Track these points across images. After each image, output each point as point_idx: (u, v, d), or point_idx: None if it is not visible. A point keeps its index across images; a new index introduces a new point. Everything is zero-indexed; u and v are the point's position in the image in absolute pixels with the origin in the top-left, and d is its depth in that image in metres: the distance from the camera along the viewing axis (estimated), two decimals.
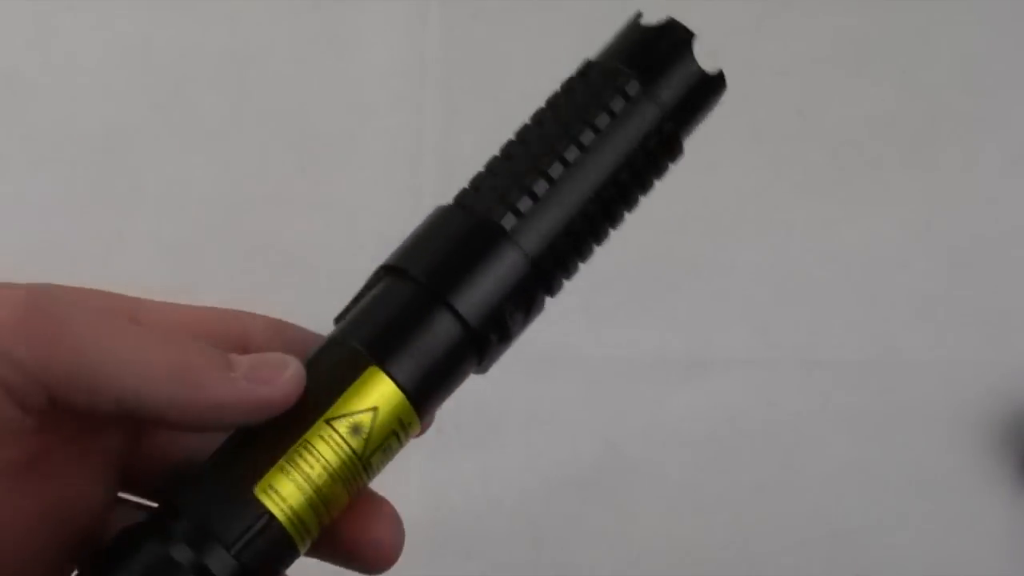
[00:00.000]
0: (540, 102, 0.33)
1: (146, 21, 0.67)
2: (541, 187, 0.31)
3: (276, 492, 0.28)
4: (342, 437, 0.29)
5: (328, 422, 0.29)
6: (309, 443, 0.28)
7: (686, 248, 0.63)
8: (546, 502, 0.59)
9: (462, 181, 0.32)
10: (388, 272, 0.31)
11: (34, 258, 0.59)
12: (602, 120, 0.31)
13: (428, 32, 0.66)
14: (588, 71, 0.33)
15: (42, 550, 0.28)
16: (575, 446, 0.61)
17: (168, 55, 0.67)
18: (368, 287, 0.31)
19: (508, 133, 0.33)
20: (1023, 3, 0.67)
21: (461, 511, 0.58)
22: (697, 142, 0.33)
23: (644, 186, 0.32)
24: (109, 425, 0.29)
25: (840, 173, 0.65)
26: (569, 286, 0.33)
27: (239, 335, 0.31)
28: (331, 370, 0.29)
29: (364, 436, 0.29)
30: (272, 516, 0.28)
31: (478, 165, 0.32)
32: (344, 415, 0.29)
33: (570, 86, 0.33)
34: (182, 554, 0.27)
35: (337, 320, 0.31)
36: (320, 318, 0.32)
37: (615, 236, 0.33)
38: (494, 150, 0.32)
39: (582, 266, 0.32)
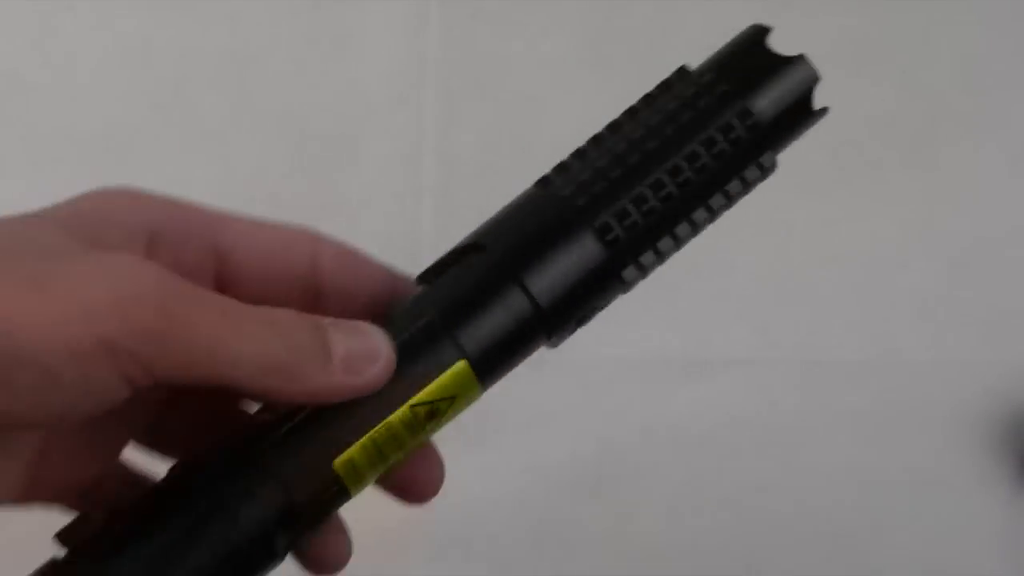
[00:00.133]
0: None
1: (146, 21, 0.67)
2: (620, 175, 0.31)
3: (354, 469, 0.30)
4: (421, 420, 0.31)
5: (412, 407, 0.31)
6: (392, 425, 0.30)
7: (686, 248, 0.63)
8: (545, 502, 0.59)
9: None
10: (472, 249, 0.32)
11: None
12: (693, 121, 0.32)
13: (428, 32, 0.66)
14: (687, 75, 0.33)
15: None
16: (575, 446, 0.61)
17: (168, 55, 0.67)
18: (454, 259, 0.32)
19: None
20: (1023, 3, 0.67)
21: (461, 511, 0.58)
22: None
23: (728, 195, 0.33)
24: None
25: (840, 173, 0.65)
26: None
27: (310, 259, 0.32)
28: (423, 359, 0.31)
29: (439, 419, 0.31)
30: (348, 492, 0.31)
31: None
32: (427, 402, 0.31)
33: (669, 86, 0.33)
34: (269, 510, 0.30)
35: (420, 280, 0.33)
36: None
37: None
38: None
39: (657, 262, 0.33)
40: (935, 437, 0.61)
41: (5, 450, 0.29)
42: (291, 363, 0.29)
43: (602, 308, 0.33)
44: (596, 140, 0.33)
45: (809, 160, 0.66)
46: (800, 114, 0.33)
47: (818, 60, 0.32)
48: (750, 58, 0.33)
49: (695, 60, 0.33)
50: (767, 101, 0.32)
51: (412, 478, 0.34)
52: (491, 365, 0.31)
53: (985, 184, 0.65)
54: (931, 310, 0.63)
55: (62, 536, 0.30)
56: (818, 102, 0.32)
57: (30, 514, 0.31)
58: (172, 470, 0.31)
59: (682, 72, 0.33)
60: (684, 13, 0.62)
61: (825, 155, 0.65)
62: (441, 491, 0.35)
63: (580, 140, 0.33)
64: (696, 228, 0.33)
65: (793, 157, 0.34)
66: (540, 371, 0.60)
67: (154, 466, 0.33)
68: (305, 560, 0.33)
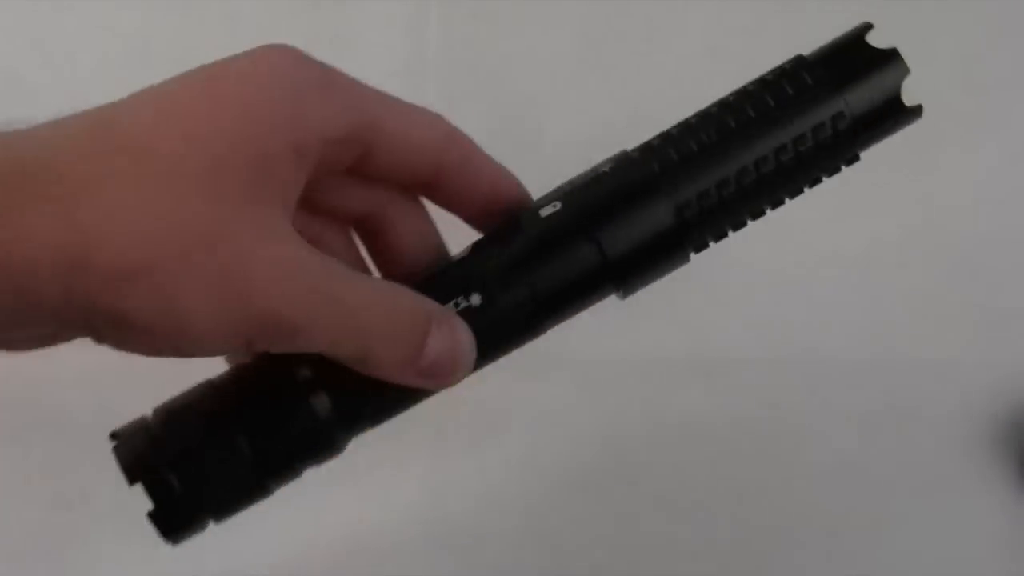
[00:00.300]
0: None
1: (146, 21, 0.67)
2: (698, 146, 0.33)
3: None
4: None
5: None
6: None
7: None
8: (546, 502, 0.59)
9: None
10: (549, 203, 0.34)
11: None
12: (785, 100, 0.33)
13: (428, 32, 0.66)
14: (794, 68, 0.34)
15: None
16: (575, 446, 0.61)
17: (168, 55, 0.67)
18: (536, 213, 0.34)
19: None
20: (1023, 3, 0.67)
21: (461, 511, 0.58)
22: None
23: (808, 174, 0.35)
24: None
25: (840, 173, 0.65)
26: None
27: (443, 143, 0.34)
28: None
29: None
30: None
31: None
32: None
33: (771, 76, 0.34)
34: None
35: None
36: None
37: None
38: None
39: (731, 232, 0.35)
40: (935, 437, 0.61)
41: None
42: (380, 355, 0.30)
43: (661, 276, 0.35)
44: (704, 116, 0.34)
45: None
46: (891, 113, 0.34)
47: None
48: (850, 55, 0.35)
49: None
50: (858, 99, 0.34)
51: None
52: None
53: (985, 184, 0.65)
54: (931, 310, 0.63)
55: (116, 435, 0.32)
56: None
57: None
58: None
59: (798, 61, 0.34)
60: (684, 13, 0.62)
61: None
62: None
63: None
64: (770, 192, 0.35)
65: None
66: (540, 371, 0.60)
67: None
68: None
